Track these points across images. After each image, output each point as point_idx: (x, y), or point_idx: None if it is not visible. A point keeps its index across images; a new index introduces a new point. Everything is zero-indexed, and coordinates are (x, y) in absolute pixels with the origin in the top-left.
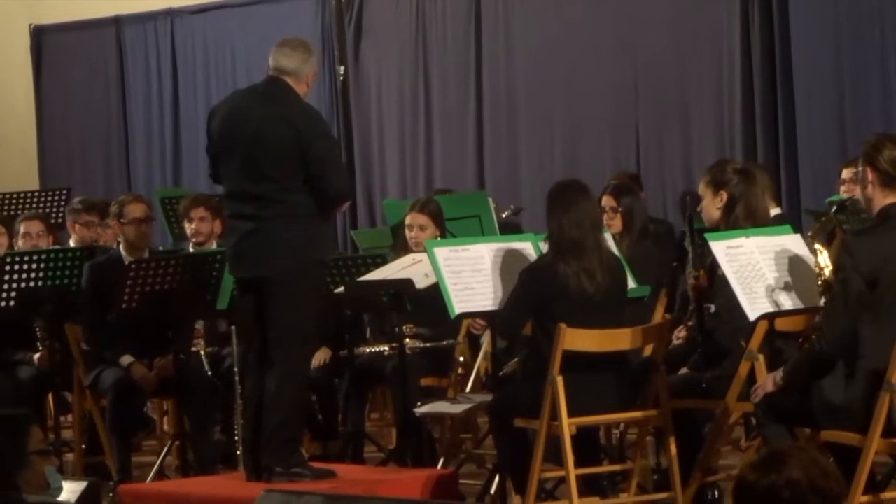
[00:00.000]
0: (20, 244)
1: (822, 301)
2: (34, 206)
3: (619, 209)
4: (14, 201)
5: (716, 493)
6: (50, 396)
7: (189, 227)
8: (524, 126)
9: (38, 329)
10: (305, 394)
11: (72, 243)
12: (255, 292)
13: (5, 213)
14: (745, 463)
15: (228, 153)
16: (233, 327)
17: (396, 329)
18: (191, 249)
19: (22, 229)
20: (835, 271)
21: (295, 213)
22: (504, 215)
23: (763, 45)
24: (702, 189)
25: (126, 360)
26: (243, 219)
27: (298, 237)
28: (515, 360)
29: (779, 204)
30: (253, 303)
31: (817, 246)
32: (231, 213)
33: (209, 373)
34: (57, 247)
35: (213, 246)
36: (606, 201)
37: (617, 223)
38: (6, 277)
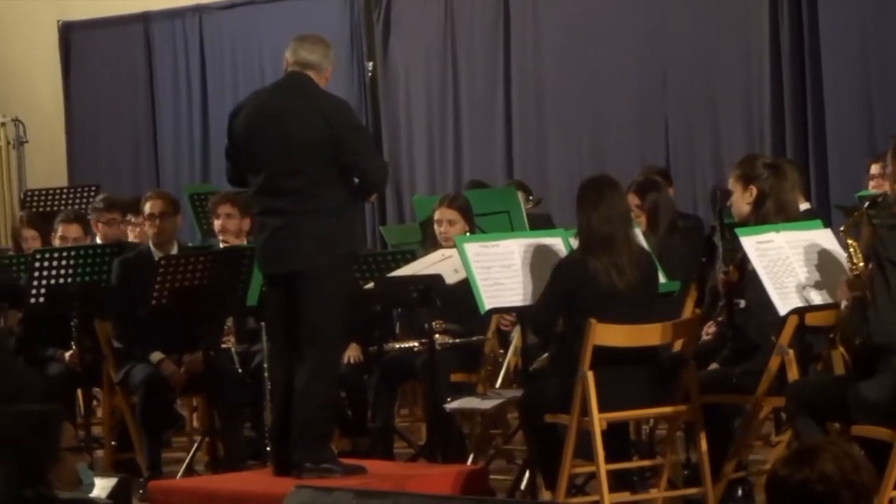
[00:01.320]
0: (56, 244)
1: (852, 295)
2: (63, 202)
3: (644, 206)
4: (43, 198)
5: (746, 488)
6: (79, 394)
7: (216, 224)
8: (552, 121)
9: (73, 327)
10: (335, 389)
11: (98, 241)
12: (285, 288)
13: (35, 209)
14: (778, 458)
15: (259, 149)
16: (262, 324)
17: (426, 325)
18: (221, 246)
19: (60, 231)
20: (871, 262)
21: (326, 207)
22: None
23: (792, 39)
24: (732, 184)
25: (156, 356)
26: (274, 214)
27: (330, 232)
28: (545, 355)
29: (808, 199)
30: (283, 299)
31: (850, 241)
32: (261, 209)
33: (239, 369)
34: (86, 243)
35: (244, 242)
36: (631, 199)
37: (642, 220)
38: (36, 274)
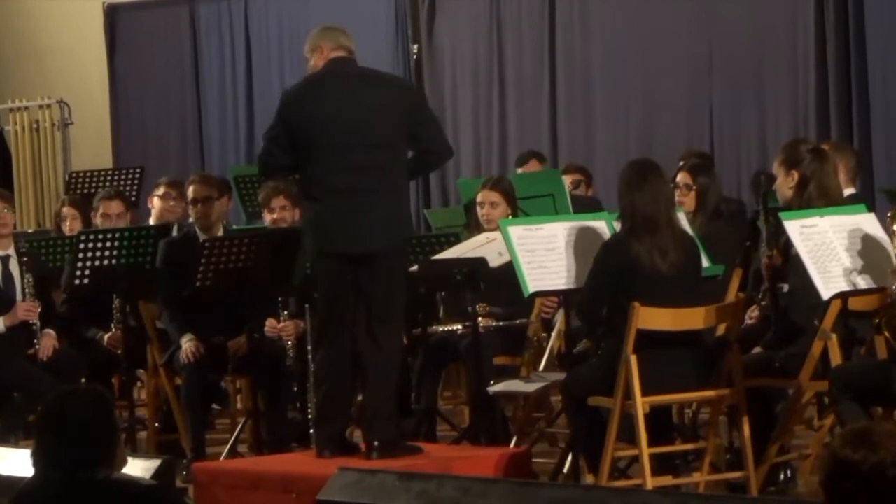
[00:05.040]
0: (98, 222)
1: None
2: (108, 184)
3: (694, 187)
4: (88, 180)
5: (788, 472)
6: (116, 378)
7: (269, 217)
8: (599, 103)
9: (114, 308)
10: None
11: (152, 221)
12: (355, 268)
13: (80, 191)
14: (839, 443)
15: (338, 127)
16: (307, 305)
17: (470, 308)
18: None
19: (101, 209)
20: None
21: (397, 184)
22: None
23: (837, 22)
24: (776, 168)
25: (187, 339)
26: (349, 194)
27: (402, 210)
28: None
29: (862, 183)
30: (351, 279)
31: (895, 227)
32: (330, 189)
33: (290, 352)
34: (132, 225)
35: None
36: (682, 178)
37: (690, 201)
38: (80, 256)
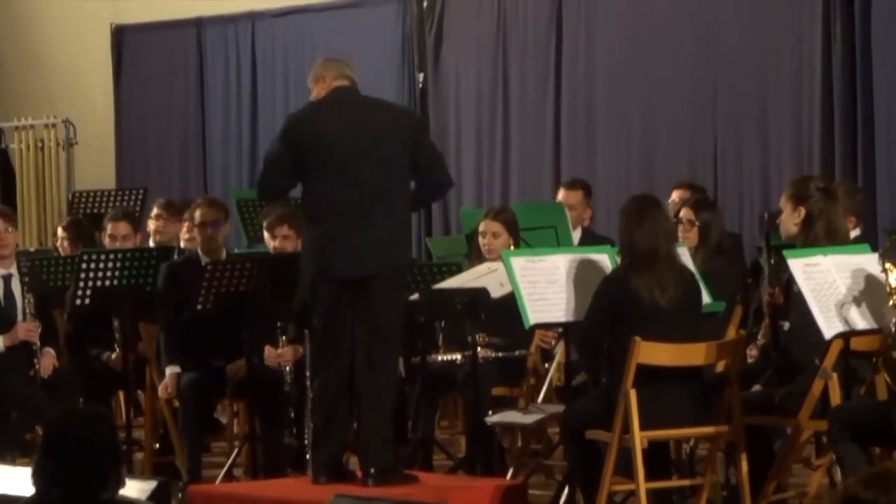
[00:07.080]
0: (106, 242)
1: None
2: (111, 205)
3: (697, 223)
4: (91, 200)
5: None
6: (121, 396)
7: (271, 244)
8: (602, 133)
9: (115, 329)
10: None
11: (151, 243)
12: (354, 292)
13: (84, 211)
14: (855, 480)
15: (345, 151)
16: (306, 330)
17: (469, 337)
18: None
19: (109, 229)
20: None
21: (400, 208)
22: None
23: (844, 61)
24: (783, 202)
25: (169, 371)
26: (353, 213)
27: (403, 234)
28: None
29: (866, 223)
30: (349, 304)
31: (888, 265)
32: (338, 207)
33: (288, 377)
34: (133, 241)
35: None
36: (685, 213)
37: (693, 236)
38: (82, 276)
